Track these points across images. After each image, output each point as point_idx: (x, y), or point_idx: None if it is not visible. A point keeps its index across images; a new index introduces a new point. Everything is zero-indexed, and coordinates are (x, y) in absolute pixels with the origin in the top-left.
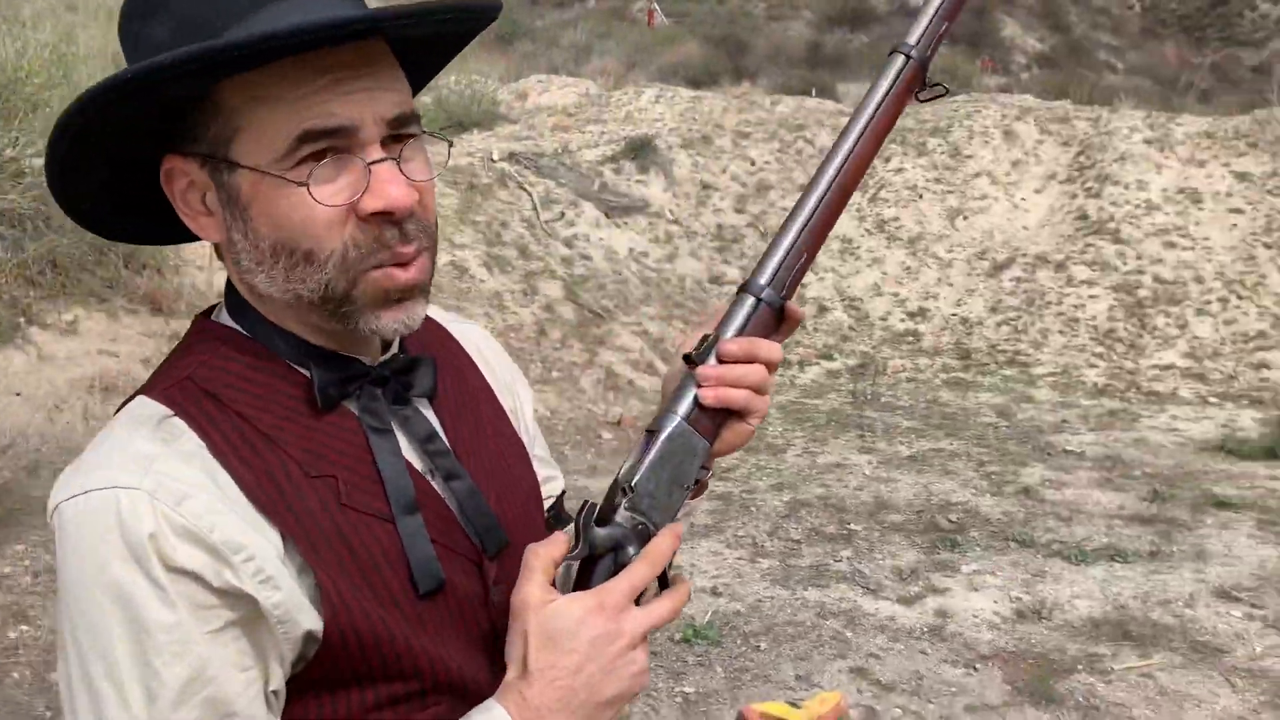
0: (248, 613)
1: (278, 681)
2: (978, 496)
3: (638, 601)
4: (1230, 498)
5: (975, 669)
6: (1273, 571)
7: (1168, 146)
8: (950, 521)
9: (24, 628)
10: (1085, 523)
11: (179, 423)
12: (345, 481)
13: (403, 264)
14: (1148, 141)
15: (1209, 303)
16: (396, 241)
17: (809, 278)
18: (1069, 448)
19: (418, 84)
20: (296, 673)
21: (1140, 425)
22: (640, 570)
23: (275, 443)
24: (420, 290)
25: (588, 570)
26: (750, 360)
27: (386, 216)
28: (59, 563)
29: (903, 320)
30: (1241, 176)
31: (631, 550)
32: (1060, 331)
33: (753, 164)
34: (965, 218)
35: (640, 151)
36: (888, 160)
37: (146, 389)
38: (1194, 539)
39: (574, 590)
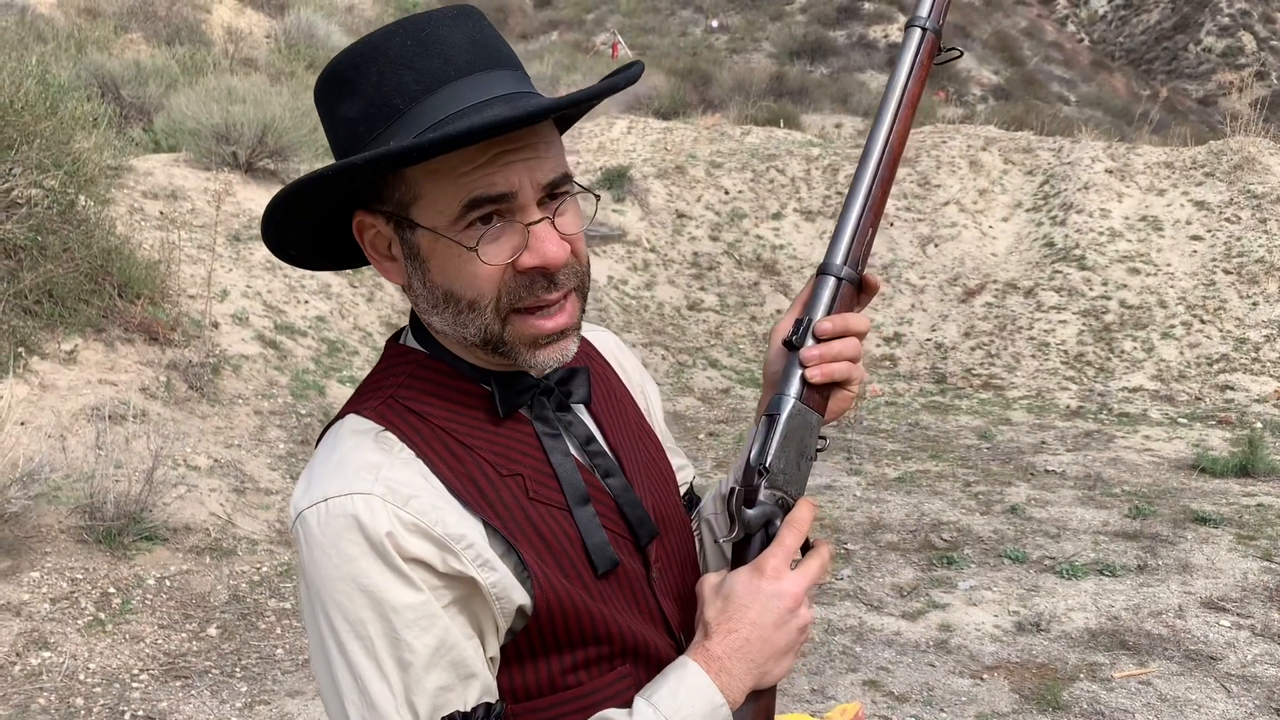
0: (467, 592)
1: (493, 650)
2: (968, 515)
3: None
4: (1208, 513)
5: (982, 679)
6: (1255, 583)
7: (1128, 176)
8: (944, 540)
9: (45, 654)
10: (1073, 539)
11: (391, 436)
12: (530, 478)
13: (548, 312)
14: (1109, 171)
15: (1173, 327)
16: (543, 290)
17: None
18: (1050, 467)
19: (562, 128)
20: (504, 644)
21: (1115, 445)
22: (789, 538)
23: (471, 449)
24: (571, 329)
25: (744, 547)
26: (844, 334)
27: (541, 270)
28: (306, 562)
29: (879, 345)
30: (1200, 205)
31: (779, 523)
32: (1032, 356)
33: (726, 193)
34: (936, 245)
35: (616, 182)
36: None
37: (356, 407)
38: (1177, 553)
39: (735, 566)
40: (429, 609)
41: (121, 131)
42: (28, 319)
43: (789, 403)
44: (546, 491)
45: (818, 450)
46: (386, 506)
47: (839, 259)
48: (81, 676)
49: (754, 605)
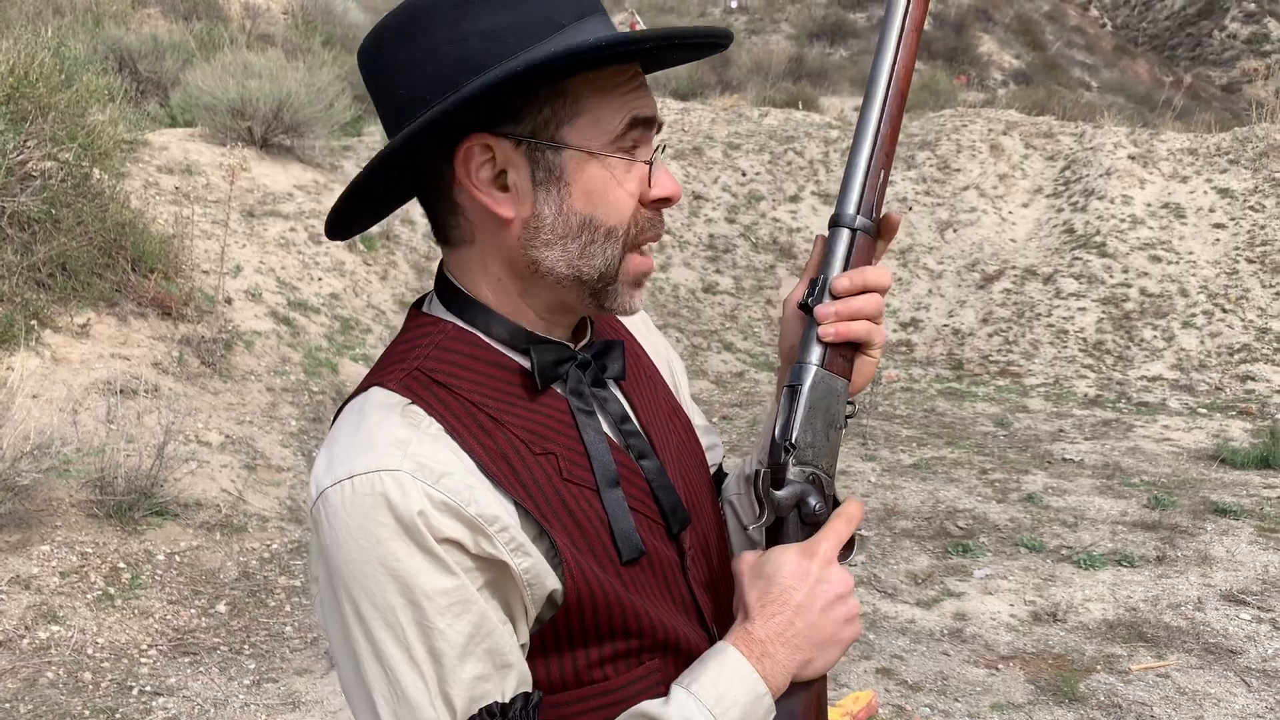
0: (498, 575)
1: (523, 637)
2: (984, 503)
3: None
4: (1229, 505)
5: (998, 669)
6: (1276, 576)
7: (1151, 162)
8: (959, 528)
9: (54, 628)
10: (1090, 529)
11: (418, 409)
12: (563, 458)
13: (647, 252)
14: (1132, 157)
15: (1194, 316)
16: (660, 226)
17: None
18: (1067, 456)
19: None
20: (530, 633)
21: (1134, 435)
22: (840, 528)
23: (502, 424)
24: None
25: (777, 530)
26: (864, 291)
27: (664, 203)
28: (329, 545)
29: (895, 330)
30: (1224, 192)
31: (813, 500)
32: (1050, 343)
33: (744, 175)
34: (955, 230)
35: None
36: None
37: (379, 379)
38: (1197, 545)
39: (769, 549)
40: (463, 594)
41: (138, 106)
42: (41, 292)
43: (810, 370)
44: (579, 472)
45: (847, 418)
46: (417, 484)
47: (851, 208)
48: (90, 651)
49: (801, 587)
